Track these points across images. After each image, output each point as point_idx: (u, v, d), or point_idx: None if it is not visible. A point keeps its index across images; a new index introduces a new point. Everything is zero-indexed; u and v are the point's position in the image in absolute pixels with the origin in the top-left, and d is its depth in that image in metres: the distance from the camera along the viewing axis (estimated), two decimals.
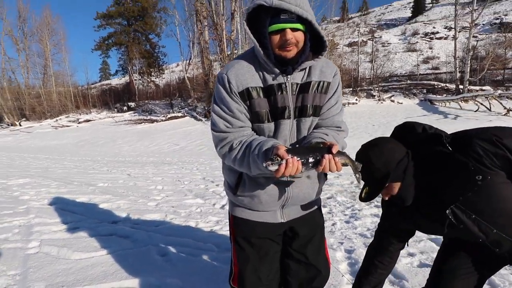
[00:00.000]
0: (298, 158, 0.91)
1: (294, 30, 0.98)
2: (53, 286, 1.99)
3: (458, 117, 13.29)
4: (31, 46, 30.09)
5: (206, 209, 3.75)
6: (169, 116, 19.49)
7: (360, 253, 2.35)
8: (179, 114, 19.54)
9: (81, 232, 2.95)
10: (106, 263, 2.29)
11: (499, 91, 15.02)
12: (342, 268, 2.11)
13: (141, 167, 7.72)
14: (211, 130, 1.12)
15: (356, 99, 18.47)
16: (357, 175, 1.02)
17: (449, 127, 12.24)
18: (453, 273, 1.17)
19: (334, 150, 0.93)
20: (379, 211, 3.48)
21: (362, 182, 1.12)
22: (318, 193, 1.26)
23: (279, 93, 1.06)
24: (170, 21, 33.67)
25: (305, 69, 1.08)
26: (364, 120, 14.07)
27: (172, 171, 6.92)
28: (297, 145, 1.09)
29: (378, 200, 4.07)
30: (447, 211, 1.04)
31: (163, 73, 31.54)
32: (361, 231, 2.89)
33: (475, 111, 13.94)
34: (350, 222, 3.16)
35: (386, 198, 1.14)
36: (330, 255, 2.31)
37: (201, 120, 17.50)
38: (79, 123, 22.93)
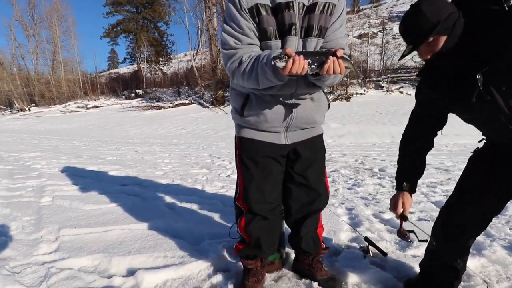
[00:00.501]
0: (304, 57, 0.95)
1: None
2: (66, 227, 2.09)
3: None
4: (41, 32, 30.36)
5: (212, 177, 3.83)
6: (176, 103, 19.59)
7: (361, 210, 2.41)
8: (186, 101, 19.62)
9: (92, 191, 3.06)
10: (116, 212, 2.39)
11: None
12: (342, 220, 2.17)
13: (148, 146, 7.85)
14: (222, 49, 1.15)
15: (364, 90, 18.29)
16: (359, 80, 1.05)
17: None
18: (477, 187, 1.16)
19: (339, 54, 0.98)
20: (381, 181, 3.52)
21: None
22: (320, 117, 1.31)
23: (286, 11, 1.09)
24: (179, 7, 33.55)
25: None
26: (371, 109, 13.94)
27: (178, 149, 7.03)
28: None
29: (380, 174, 4.13)
30: (478, 76, 0.99)
31: (171, 62, 31.59)
32: (363, 195, 2.95)
33: None
34: (352, 188, 3.21)
35: (428, 57, 1.08)
36: (332, 212, 2.38)
37: (208, 107, 17.57)
38: (87, 109, 23.22)
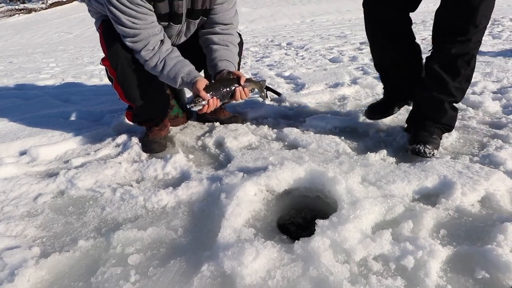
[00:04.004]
0: (216, 96, 1.06)
1: None
2: None
3: None
4: None
5: None
6: (50, 2, 15.47)
7: (265, 72, 2.55)
8: None
9: None
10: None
11: None
12: None
13: (26, 56, 6.40)
14: (114, 22, 1.10)
15: None
16: (263, 94, 1.25)
17: None
18: None
19: (242, 81, 1.11)
20: (286, 51, 3.69)
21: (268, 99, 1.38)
22: None
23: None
24: None
25: None
26: None
27: (67, 54, 5.94)
28: (212, 81, 1.16)
29: (287, 47, 4.28)
30: None
31: None
32: (269, 63, 3.08)
33: None
34: (260, 60, 3.31)
35: None
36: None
37: None
38: None
